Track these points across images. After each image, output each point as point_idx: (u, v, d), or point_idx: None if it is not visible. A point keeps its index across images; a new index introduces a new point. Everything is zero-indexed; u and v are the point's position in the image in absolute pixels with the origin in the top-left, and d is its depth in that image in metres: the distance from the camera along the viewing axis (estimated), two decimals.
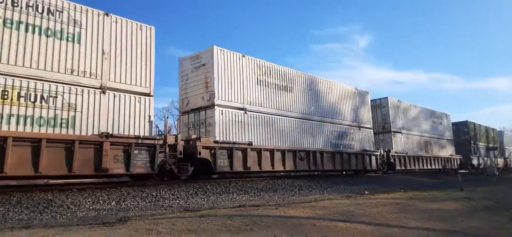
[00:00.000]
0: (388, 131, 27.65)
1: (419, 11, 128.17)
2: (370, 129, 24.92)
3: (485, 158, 44.69)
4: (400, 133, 28.57)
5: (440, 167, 32.68)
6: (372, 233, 7.39)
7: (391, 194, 13.97)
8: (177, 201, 10.65)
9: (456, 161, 36.29)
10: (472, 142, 40.97)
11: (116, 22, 12.53)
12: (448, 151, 35.63)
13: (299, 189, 14.66)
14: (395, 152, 26.44)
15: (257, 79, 17.55)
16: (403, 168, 26.93)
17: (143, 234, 5.65)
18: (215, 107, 15.38)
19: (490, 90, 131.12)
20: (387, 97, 28.30)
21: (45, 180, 12.30)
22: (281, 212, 8.35)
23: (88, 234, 5.59)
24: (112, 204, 9.45)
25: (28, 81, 10.01)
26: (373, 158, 23.99)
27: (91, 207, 8.91)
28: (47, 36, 10.70)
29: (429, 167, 30.82)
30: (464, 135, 40.58)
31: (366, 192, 14.24)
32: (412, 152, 29.34)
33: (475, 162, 39.91)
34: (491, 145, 47.53)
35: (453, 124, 40.74)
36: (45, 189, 10.04)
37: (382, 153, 25.12)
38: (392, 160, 25.57)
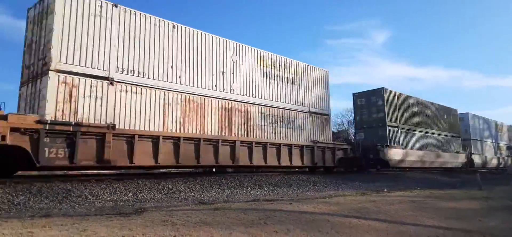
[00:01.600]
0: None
1: (439, 6, 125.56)
2: None
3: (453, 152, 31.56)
4: (107, 80, 11.80)
5: (277, 163, 16.80)
6: (386, 231, 7.36)
7: (407, 192, 13.82)
8: (192, 193, 10.78)
9: (331, 153, 19.85)
10: (395, 125, 25.99)
11: None
12: (311, 135, 18.78)
13: (313, 185, 14.65)
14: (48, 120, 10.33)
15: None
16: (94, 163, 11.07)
17: (158, 225, 5.76)
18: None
19: (509, 88, 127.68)
20: None
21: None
22: (295, 207, 8.38)
23: (105, 223, 5.72)
24: (129, 195, 9.63)
25: None
26: None
27: (108, 198, 9.10)
28: None
29: (231, 163, 14.97)
30: (377, 111, 25.95)
31: (385, 190, 14.13)
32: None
33: (393, 156, 23.90)
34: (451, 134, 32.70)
35: (359, 94, 27.55)
36: (64, 179, 10.29)
37: None
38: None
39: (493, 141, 40.99)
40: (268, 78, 17.28)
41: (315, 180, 15.66)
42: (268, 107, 16.84)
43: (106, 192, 9.51)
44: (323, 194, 12.09)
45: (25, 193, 8.41)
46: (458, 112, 35.88)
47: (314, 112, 19.46)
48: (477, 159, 35.72)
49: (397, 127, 26.06)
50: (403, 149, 25.47)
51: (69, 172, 13.22)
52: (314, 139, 18.87)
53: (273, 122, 16.98)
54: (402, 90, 32.35)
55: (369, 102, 26.51)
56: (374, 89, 26.51)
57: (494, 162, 39.66)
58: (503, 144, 43.82)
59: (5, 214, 6.74)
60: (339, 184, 15.53)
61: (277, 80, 17.75)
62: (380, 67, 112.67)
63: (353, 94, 27.81)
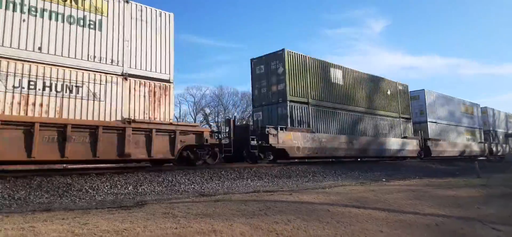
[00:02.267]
0: None
1: None
2: None
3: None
4: None
5: None
6: (386, 219, 7.40)
7: (406, 181, 13.89)
8: (192, 186, 10.82)
9: (169, 139, 13.12)
10: (304, 101, 19.69)
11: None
12: (125, 109, 11.73)
13: (313, 175, 14.71)
14: None
15: None
16: None
17: (159, 218, 5.78)
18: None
19: (508, 76, 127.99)
20: None
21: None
22: (295, 197, 8.41)
23: (106, 217, 5.75)
24: (129, 188, 9.66)
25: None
26: None
27: (109, 191, 9.13)
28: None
29: None
30: (277, 82, 19.30)
31: (383, 179, 14.19)
32: None
33: (292, 142, 17.76)
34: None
35: (257, 60, 20.24)
36: (65, 173, 10.31)
37: None
38: None
39: (460, 125, 34.92)
40: (17, 12, 10.40)
41: (314, 171, 15.72)
42: (12, 61, 10.10)
43: (107, 186, 9.54)
44: (322, 184, 12.15)
45: (26, 187, 8.43)
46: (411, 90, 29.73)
47: (136, 76, 12.69)
48: (434, 146, 29.13)
49: (306, 104, 19.55)
50: (312, 132, 19.07)
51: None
52: (129, 117, 12.09)
53: (26, 86, 10.24)
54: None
55: (269, 70, 19.45)
56: (274, 52, 19.29)
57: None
58: (475, 128, 38.06)
59: (6, 209, 6.76)
60: (339, 175, 15.60)
61: (45, 17, 10.88)
62: (378, 56, 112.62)
63: (251, 60, 20.36)
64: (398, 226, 7.02)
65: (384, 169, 19.21)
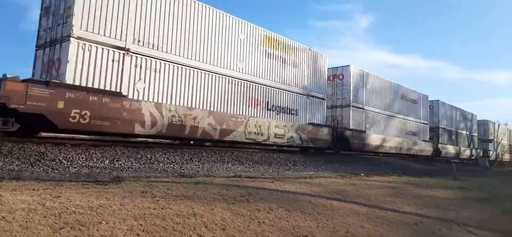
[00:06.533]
0: None
1: None
2: None
3: None
4: None
5: None
6: (367, 215, 7.36)
7: (385, 177, 13.96)
8: (172, 165, 10.52)
9: None
10: None
11: None
12: None
13: (293, 164, 14.60)
14: None
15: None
16: None
17: (137, 196, 5.52)
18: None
19: (488, 83, 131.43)
20: None
21: None
22: (277, 186, 8.27)
23: (80, 191, 5.45)
24: (105, 162, 9.30)
25: None
26: None
27: (84, 164, 8.75)
28: None
29: None
30: None
31: (362, 174, 14.21)
32: None
33: None
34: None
35: None
36: (38, 141, 9.83)
37: None
38: None
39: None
40: None
41: (295, 160, 15.61)
42: None
43: (82, 158, 9.15)
44: (303, 174, 12.05)
45: None
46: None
47: None
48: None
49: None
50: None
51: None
52: None
53: None
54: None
55: None
56: None
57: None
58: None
59: None
60: (319, 165, 15.55)
61: None
62: (363, 52, 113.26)
63: None
64: (379, 223, 6.97)
65: (362, 164, 19.31)
